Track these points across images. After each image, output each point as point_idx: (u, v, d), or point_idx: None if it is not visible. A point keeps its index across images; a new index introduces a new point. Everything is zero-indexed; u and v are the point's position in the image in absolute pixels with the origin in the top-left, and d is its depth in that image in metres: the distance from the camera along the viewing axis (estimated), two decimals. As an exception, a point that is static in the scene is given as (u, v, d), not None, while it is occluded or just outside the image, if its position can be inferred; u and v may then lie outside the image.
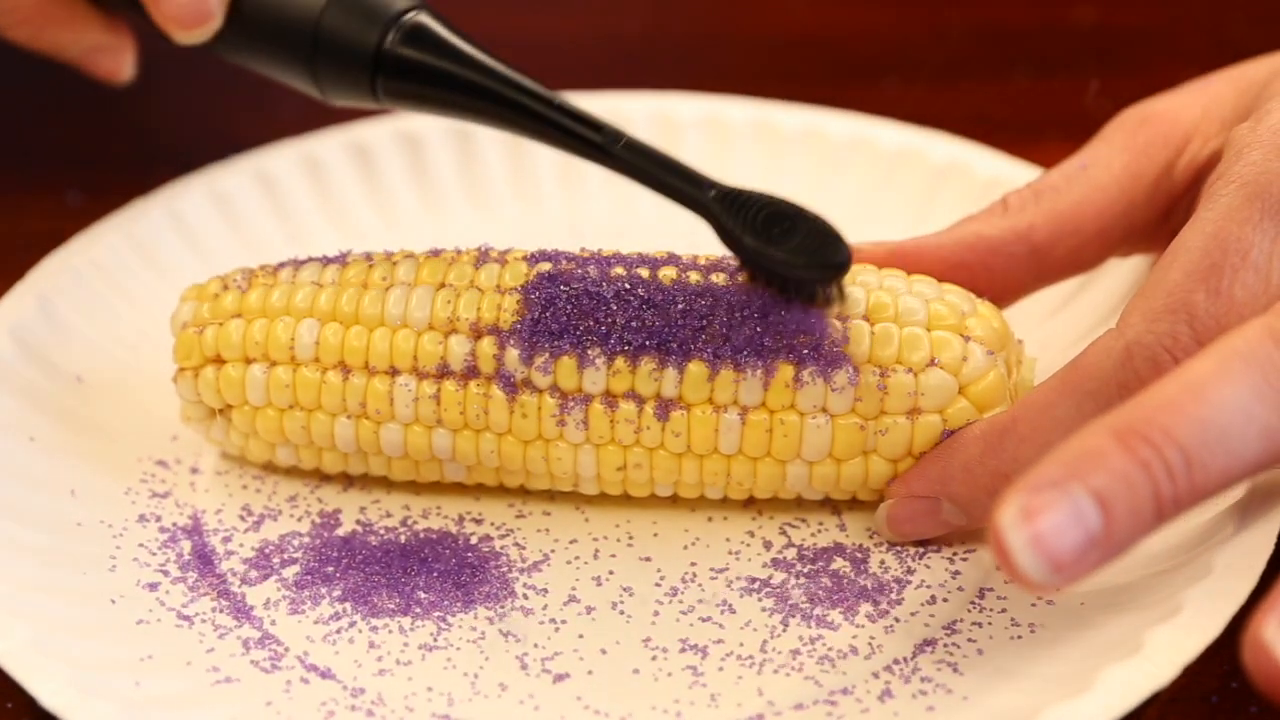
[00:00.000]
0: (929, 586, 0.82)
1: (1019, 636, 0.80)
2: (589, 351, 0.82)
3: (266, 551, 0.86)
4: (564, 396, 0.83)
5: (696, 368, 0.82)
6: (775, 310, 0.81)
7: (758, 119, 1.08)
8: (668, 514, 0.87)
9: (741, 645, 0.80)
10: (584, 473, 0.85)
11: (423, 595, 0.83)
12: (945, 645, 0.80)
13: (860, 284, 0.83)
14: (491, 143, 1.07)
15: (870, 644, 0.80)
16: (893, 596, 0.82)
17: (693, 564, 0.84)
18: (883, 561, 0.84)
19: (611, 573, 0.84)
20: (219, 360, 0.87)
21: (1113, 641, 0.76)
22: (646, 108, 1.08)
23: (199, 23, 0.91)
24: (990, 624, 0.80)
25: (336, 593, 0.83)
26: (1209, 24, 1.25)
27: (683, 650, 0.80)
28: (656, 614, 0.82)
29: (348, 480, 0.89)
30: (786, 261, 0.80)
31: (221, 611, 0.82)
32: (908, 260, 0.87)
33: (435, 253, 0.87)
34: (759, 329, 0.81)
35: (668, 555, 0.85)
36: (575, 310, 0.82)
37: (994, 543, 0.68)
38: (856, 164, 1.06)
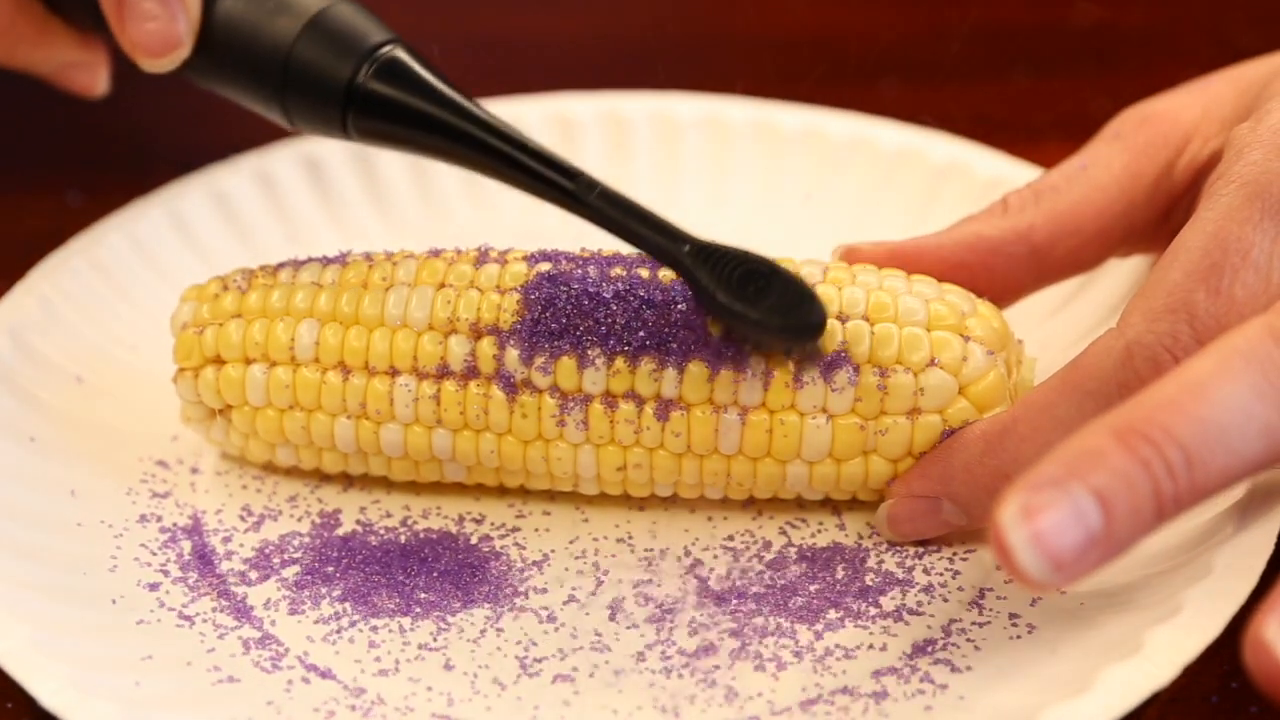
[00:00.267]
0: (928, 586, 0.82)
1: (1018, 636, 0.80)
2: (589, 352, 0.82)
3: (266, 551, 0.86)
4: (564, 397, 0.83)
5: (696, 368, 0.82)
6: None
7: (758, 119, 1.08)
8: (668, 514, 0.87)
9: (741, 645, 0.80)
10: (584, 473, 0.85)
11: (423, 595, 0.83)
12: (945, 645, 0.80)
13: (860, 284, 0.83)
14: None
15: (870, 644, 0.80)
16: (892, 596, 0.82)
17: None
18: (882, 561, 0.84)
19: (611, 573, 0.84)
20: (219, 361, 0.87)
21: (1113, 641, 0.76)
22: (646, 108, 1.08)
23: (166, 50, 0.88)
24: (990, 624, 0.80)
25: (336, 593, 0.83)
26: (1209, 24, 1.25)
27: (682, 650, 0.80)
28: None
29: (348, 480, 0.89)
30: (760, 322, 0.79)
31: (222, 611, 0.82)
32: (908, 260, 0.87)
33: (435, 253, 0.87)
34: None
35: (668, 555, 0.85)
36: (575, 310, 0.82)
37: (995, 541, 0.68)
38: (856, 164, 1.06)
